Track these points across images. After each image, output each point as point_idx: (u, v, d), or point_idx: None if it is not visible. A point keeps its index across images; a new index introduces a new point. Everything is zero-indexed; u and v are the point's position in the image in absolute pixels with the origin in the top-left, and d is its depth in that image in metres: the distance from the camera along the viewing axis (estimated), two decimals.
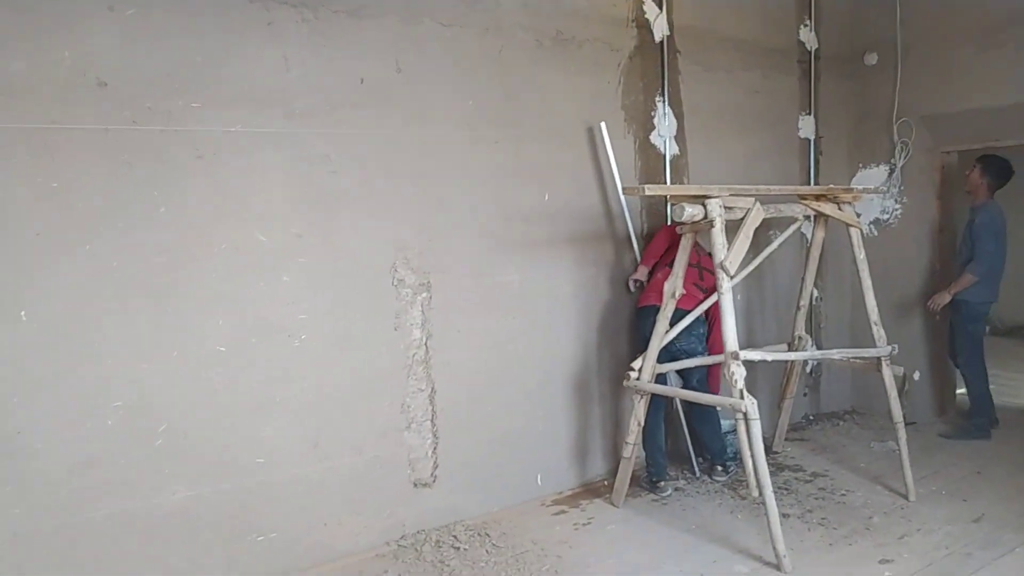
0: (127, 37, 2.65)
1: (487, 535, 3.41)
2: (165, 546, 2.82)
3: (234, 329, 2.94)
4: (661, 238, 4.00)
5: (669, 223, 4.08)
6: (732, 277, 3.22)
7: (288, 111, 3.00)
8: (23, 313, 2.54)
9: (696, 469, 4.12)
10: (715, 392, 4.04)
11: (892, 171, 4.98)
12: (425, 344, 3.40)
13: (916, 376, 4.97)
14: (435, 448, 3.45)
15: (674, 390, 3.76)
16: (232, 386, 2.94)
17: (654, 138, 4.16)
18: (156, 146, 2.73)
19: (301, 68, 3.03)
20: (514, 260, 3.68)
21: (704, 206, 3.21)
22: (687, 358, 3.81)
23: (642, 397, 3.62)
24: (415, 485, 3.41)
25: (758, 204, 3.37)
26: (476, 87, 3.50)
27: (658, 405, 3.85)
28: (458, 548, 3.30)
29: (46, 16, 2.51)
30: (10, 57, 2.47)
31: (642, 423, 3.66)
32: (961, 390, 5.06)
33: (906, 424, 3.86)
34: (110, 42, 2.62)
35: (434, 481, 3.45)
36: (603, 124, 3.91)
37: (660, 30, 4.12)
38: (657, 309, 3.65)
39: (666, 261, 3.89)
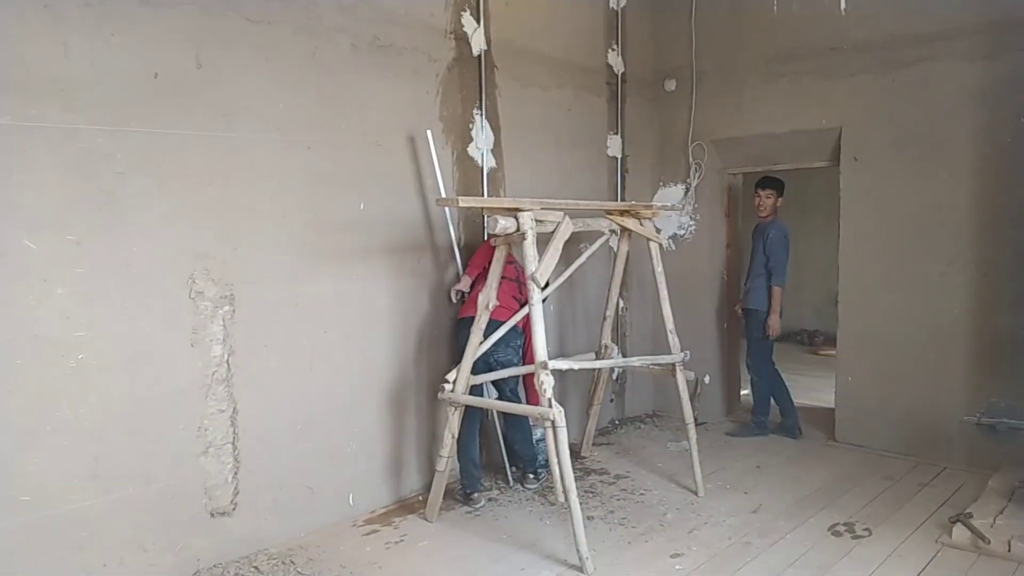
0: None
1: (292, 563, 3.25)
2: None
3: None
4: (484, 250, 4.04)
5: (487, 236, 4.13)
6: (543, 288, 3.32)
7: (68, 104, 2.68)
8: None
9: (510, 478, 4.21)
10: (534, 401, 4.14)
11: (688, 190, 5.41)
12: (227, 361, 3.17)
13: (707, 380, 5.43)
14: (236, 473, 3.23)
15: (486, 401, 3.81)
16: None
17: (472, 150, 4.19)
18: None
19: (85, 57, 2.71)
20: (328, 271, 3.54)
21: (517, 219, 3.29)
22: (503, 369, 3.87)
23: (456, 409, 3.63)
24: (212, 515, 3.16)
25: (567, 218, 3.51)
26: (288, 88, 3.33)
27: (473, 416, 3.89)
28: None
29: None
30: None
31: (456, 435, 3.67)
32: (746, 391, 5.60)
33: (697, 424, 4.20)
34: None
35: (234, 509, 3.23)
36: (429, 132, 3.88)
37: (478, 44, 4.16)
38: (471, 320, 3.67)
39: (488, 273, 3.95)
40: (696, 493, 4.03)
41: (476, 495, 3.93)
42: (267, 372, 3.32)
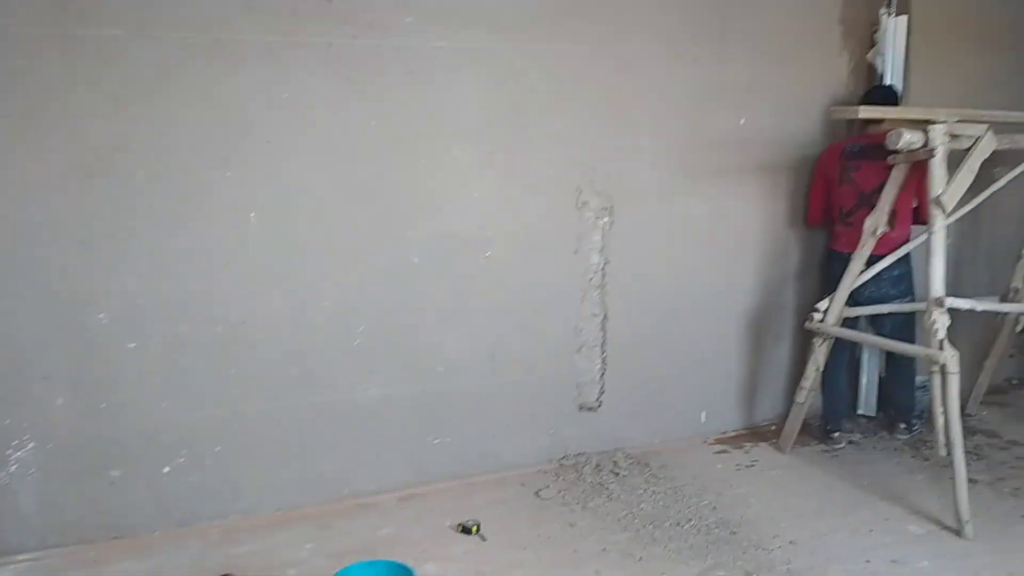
0: None
1: (647, 465, 3.45)
2: (356, 437, 3.09)
3: (428, 241, 3.06)
4: (818, 187, 3.65)
5: (820, 160, 3.65)
6: (948, 215, 2.93)
7: (492, 26, 2.97)
8: (253, 215, 2.79)
9: (874, 424, 3.89)
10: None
11: None
12: (603, 269, 3.38)
13: None
14: (603, 374, 3.48)
15: (862, 335, 3.51)
16: (422, 296, 3.09)
17: (872, 56, 3.72)
18: (372, 61, 2.83)
19: None
20: (702, 189, 3.51)
21: (926, 132, 2.90)
22: (874, 304, 3.53)
23: (824, 341, 3.43)
24: (580, 408, 3.47)
25: (991, 133, 2.99)
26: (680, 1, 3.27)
27: (843, 351, 3.63)
28: (618, 474, 3.36)
29: None
30: None
31: (821, 368, 3.48)
32: None
33: None
34: None
35: (599, 407, 3.50)
36: (900, 20, 3.57)
37: None
38: (844, 256, 3.41)
39: (832, 210, 3.62)
40: None
41: (838, 434, 3.72)
42: (638, 283, 3.46)
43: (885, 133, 2.99)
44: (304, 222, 2.86)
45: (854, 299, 3.49)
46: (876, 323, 3.67)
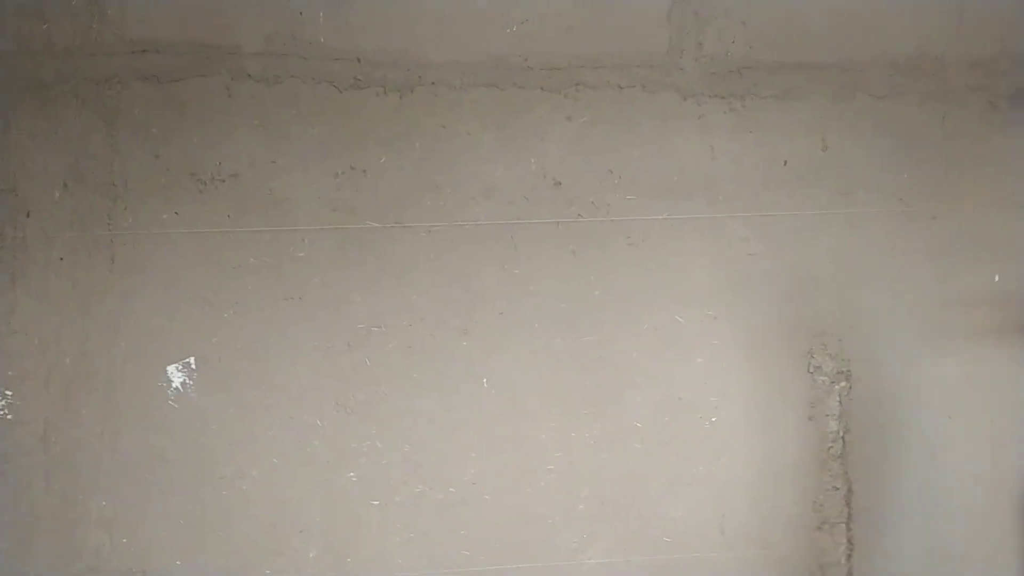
0: (578, 142, 3.00)
1: None
2: None
3: (651, 406, 3.05)
4: None
5: None
6: None
7: (711, 198, 3.08)
8: (485, 380, 2.97)
9: None
10: None
11: None
12: (842, 437, 3.13)
13: None
14: (849, 555, 3.13)
15: None
16: (646, 461, 3.04)
17: None
18: (596, 236, 3.01)
19: (725, 156, 3.08)
20: (954, 350, 3.21)
21: None
22: None
23: None
24: None
25: None
26: (911, 159, 3.18)
27: None
28: None
29: (520, 129, 2.98)
30: (492, 165, 2.98)
31: None
32: None
33: None
34: (565, 147, 2.99)
35: None
36: None
37: None
38: None
39: None
40: None
41: None
42: (884, 453, 3.16)
43: None
44: (531, 387, 2.98)
45: None
46: None
